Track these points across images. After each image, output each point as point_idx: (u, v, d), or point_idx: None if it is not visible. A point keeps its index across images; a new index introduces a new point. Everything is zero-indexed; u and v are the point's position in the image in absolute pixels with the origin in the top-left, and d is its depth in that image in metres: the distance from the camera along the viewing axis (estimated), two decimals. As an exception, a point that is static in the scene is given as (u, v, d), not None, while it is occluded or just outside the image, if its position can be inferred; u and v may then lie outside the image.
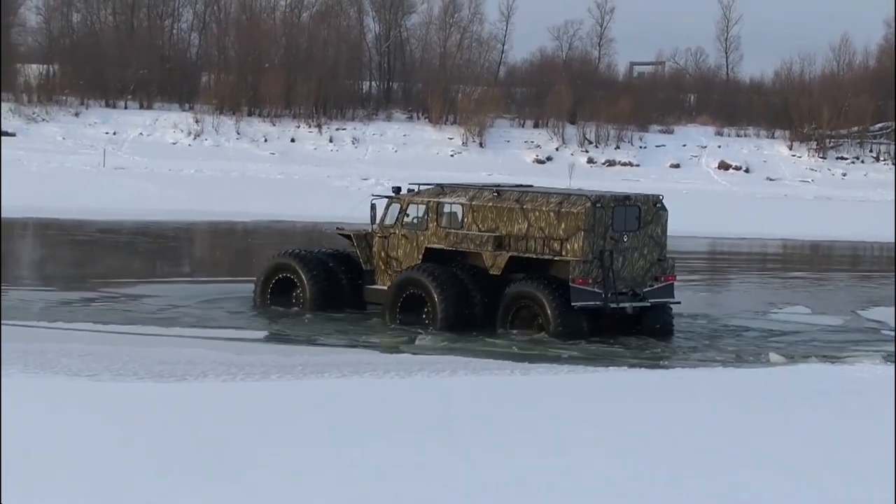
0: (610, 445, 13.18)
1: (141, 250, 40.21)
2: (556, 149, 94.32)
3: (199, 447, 12.52)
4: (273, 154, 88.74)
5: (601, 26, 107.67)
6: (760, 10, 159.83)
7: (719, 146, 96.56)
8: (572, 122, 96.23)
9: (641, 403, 16.24)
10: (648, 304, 24.67)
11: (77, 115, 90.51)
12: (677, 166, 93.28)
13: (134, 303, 27.01)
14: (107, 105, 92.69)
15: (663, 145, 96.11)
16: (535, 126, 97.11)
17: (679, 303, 25.43)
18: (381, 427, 13.88)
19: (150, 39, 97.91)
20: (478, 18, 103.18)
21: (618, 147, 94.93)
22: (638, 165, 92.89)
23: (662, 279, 24.82)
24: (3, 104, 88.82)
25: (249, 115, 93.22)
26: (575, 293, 23.83)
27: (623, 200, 24.69)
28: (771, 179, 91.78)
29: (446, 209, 25.46)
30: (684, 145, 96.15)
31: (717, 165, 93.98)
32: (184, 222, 48.07)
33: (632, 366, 21.44)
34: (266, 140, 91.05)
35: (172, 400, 15.67)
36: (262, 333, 24.30)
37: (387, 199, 26.28)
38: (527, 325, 24.28)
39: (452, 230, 25.27)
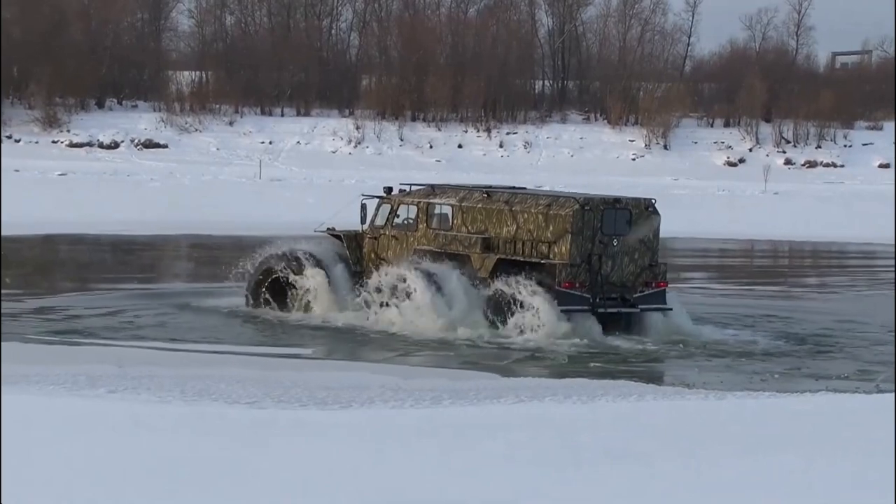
0: (832, 474, 12.84)
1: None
2: (750, 149, 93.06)
3: (370, 482, 12.48)
4: (439, 161, 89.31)
5: (799, 14, 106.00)
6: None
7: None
8: (767, 120, 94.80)
9: (855, 432, 15.78)
10: (637, 310, 25.37)
11: (231, 123, 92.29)
12: (887, 166, 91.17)
13: (280, 324, 27.12)
14: (262, 112, 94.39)
15: (871, 143, 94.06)
16: (726, 125, 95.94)
17: (671, 309, 25.68)
18: (578, 455, 13.68)
19: (308, 41, 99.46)
20: (661, 9, 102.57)
21: (819, 146, 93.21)
22: (842, 166, 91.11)
23: (654, 285, 25.51)
24: (154, 114, 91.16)
25: (413, 119, 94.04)
26: (562, 297, 24.69)
27: (613, 203, 25.60)
28: None
29: (436, 210, 26.71)
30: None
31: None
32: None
33: (837, 391, 20.95)
34: (431, 146, 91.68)
35: (339, 428, 15.68)
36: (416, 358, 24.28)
37: (377, 200, 27.52)
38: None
39: (442, 231, 26.38)
